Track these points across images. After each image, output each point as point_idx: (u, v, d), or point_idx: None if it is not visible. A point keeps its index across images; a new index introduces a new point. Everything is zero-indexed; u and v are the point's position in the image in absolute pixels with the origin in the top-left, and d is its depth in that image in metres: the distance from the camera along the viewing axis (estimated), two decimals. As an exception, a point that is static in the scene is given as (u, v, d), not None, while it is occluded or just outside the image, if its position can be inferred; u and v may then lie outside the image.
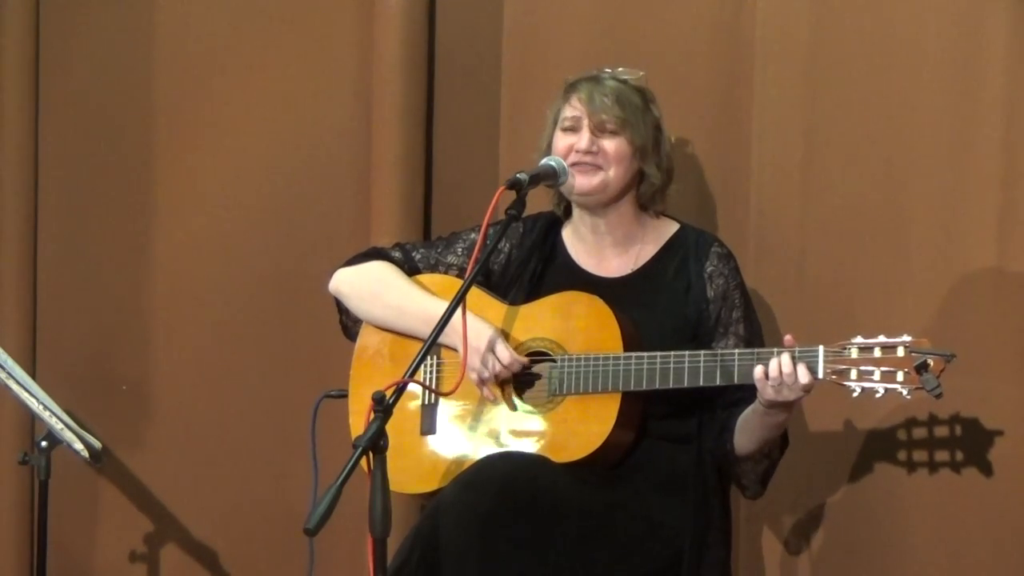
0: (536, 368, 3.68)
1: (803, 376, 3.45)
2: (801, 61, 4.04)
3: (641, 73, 3.81)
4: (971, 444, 3.83)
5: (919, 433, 3.88)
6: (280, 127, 4.65)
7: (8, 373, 4.31)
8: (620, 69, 3.81)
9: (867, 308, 3.89)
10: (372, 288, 3.86)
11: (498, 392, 3.68)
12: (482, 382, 3.67)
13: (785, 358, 3.46)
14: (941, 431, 3.85)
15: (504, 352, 3.65)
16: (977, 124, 3.87)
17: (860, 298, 3.96)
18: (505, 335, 3.70)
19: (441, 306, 3.63)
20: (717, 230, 4.02)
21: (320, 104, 4.61)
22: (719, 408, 3.66)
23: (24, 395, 4.31)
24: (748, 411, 3.59)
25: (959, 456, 3.84)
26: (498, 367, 3.65)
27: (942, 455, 3.86)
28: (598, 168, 3.74)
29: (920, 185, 3.93)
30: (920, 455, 3.88)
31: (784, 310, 4.02)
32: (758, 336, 3.74)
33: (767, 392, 3.48)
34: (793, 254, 4.05)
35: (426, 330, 3.64)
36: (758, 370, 3.47)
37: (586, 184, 3.74)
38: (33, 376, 4.51)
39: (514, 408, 3.68)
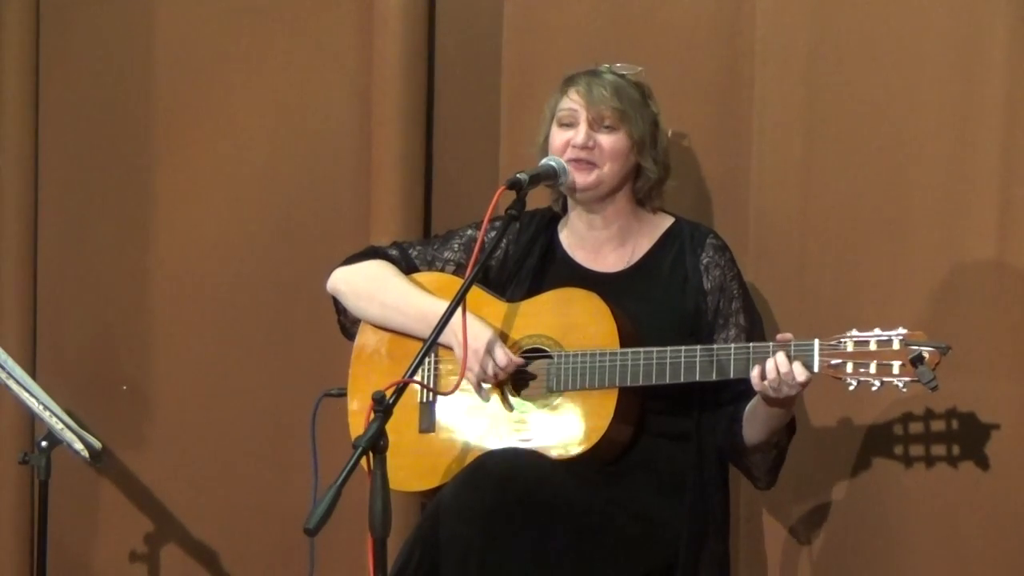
0: (534, 365, 3.68)
1: (800, 375, 3.46)
2: (801, 61, 4.04)
3: (639, 68, 3.82)
4: (969, 441, 3.83)
5: (918, 430, 3.88)
6: (280, 127, 4.65)
7: (8, 373, 4.32)
8: (619, 65, 3.81)
9: (867, 307, 3.89)
10: (368, 287, 3.86)
11: (496, 394, 3.68)
12: (480, 385, 3.67)
13: (781, 356, 3.46)
14: (940, 428, 3.85)
15: (502, 355, 3.65)
16: (977, 124, 3.87)
17: (860, 297, 3.96)
18: (503, 333, 3.70)
19: (437, 305, 3.64)
20: (717, 229, 4.01)
21: (320, 104, 4.61)
22: (725, 401, 3.66)
23: (24, 395, 4.32)
24: (752, 403, 3.59)
25: (958, 453, 3.84)
26: (496, 370, 3.65)
27: (941, 452, 3.86)
28: (592, 165, 3.74)
29: (920, 184, 3.93)
30: (919, 452, 3.88)
31: (784, 309, 4.02)
32: (758, 325, 3.74)
33: (767, 393, 3.48)
34: (793, 254, 4.05)
35: (421, 329, 3.66)
36: (755, 375, 3.47)
37: (581, 180, 3.74)
38: (33, 376, 4.51)
39: (512, 407, 3.68)
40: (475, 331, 3.62)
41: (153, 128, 4.77)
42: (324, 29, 4.61)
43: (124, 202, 4.80)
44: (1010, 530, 3.83)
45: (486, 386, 3.67)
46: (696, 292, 3.74)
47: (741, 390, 3.60)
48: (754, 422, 3.62)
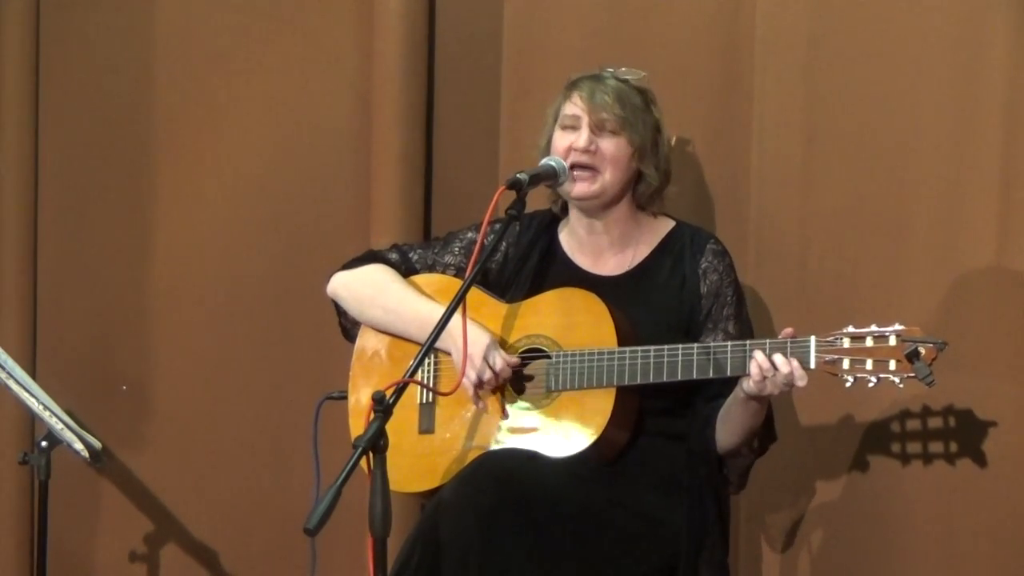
0: (533, 365, 3.68)
1: (799, 379, 3.45)
2: (801, 61, 4.04)
3: (643, 74, 3.81)
4: (969, 440, 3.83)
5: (917, 429, 3.88)
6: (280, 127, 4.65)
7: (8, 373, 4.32)
8: (623, 69, 3.81)
9: (868, 307, 3.88)
10: (367, 291, 3.87)
11: (491, 401, 3.68)
12: (475, 391, 3.66)
13: (779, 357, 3.46)
14: (938, 427, 3.86)
15: (499, 362, 3.65)
16: (977, 123, 3.88)
17: (860, 297, 3.96)
18: (501, 334, 3.70)
19: (435, 310, 3.65)
20: (717, 230, 4.02)
21: (320, 104, 4.61)
22: (700, 403, 3.66)
23: (24, 395, 4.31)
24: (728, 402, 3.59)
25: (957, 453, 3.85)
26: (490, 376, 3.64)
27: (940, 451, 3.86)
28: (595, 172, 3.73)
29: (920, 184, 3.93)
30: (918, 451, 3.88)
31: (785, 309, 4.02)
32: (748, 336, 3.73)
33: (764, 389, 3.47)
34: (793, 253, 4.05)
35: (419, 334, 3.66)
36: (753, 369, 3.46)
37: (584, 190, 3.74)
38: (33, 376, 4.51)
39: (511, 407, 3.68)
40: (471, 336, 3.61)
41: (153, 128, 4.76)
42: (324, 29, 4.61)
43: (124, 202, 4.79)
44: (1008, 529, 3.83)
45: (483, 392, 3.67)
46: (692, 296, 3.74)
47: (716, 392, 3.61)
48: (730, 423, 3.62)
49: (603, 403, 3.60)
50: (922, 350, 3.40)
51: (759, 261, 4.06)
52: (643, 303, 3.72)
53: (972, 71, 3.88)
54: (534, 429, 3.65)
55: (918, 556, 3.91)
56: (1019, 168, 3.84)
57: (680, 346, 3.56)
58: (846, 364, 3.46)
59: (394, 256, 3.92)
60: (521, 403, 3.68)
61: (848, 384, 3.46)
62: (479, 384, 3.65)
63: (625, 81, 3.79)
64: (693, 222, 3.89)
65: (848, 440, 3.97)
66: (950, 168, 3.91)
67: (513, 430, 3.67)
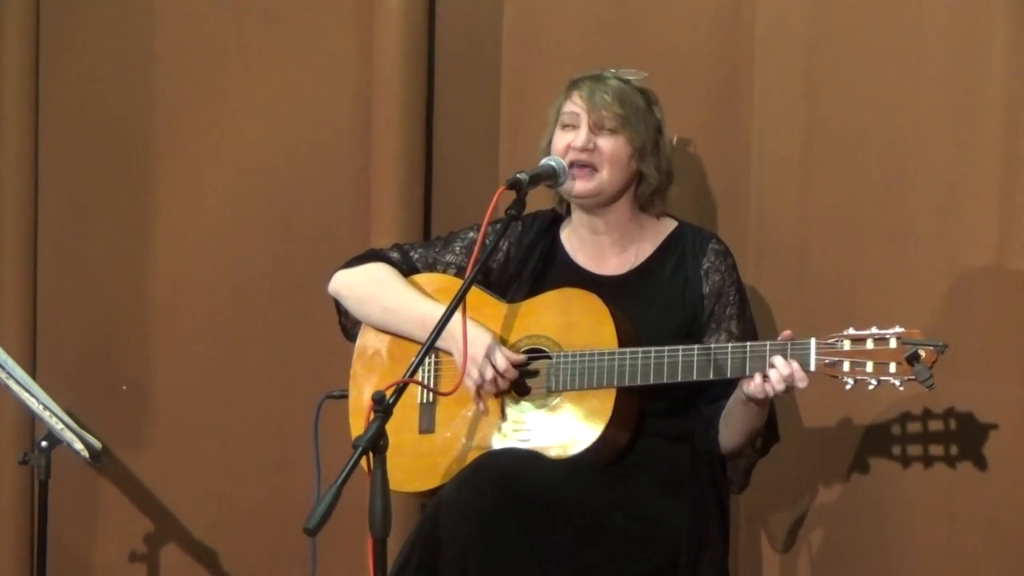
0: (533, 365, 3.68)
1: (800, 381, 3.45)
2: (801, 61, 4.04)
3: (645, 74, 3.82)
4: (969, 442, 3.83)
5: (917, 430, 3.88)
6: (280, 127, 4.65)
7: (8, 373, 4.32)
8: (624, 69, 3.81)
9: (867, 307, 3.89)
10: (368, 290, 3.87)
11: (491, 401, 3.68)
12: (479, 391, 3.66)
13: (779, 360, 3.45)
14: (939, 428, 3.86)
15: (501, 361, 3.65)
16: (977, 123, 3.88)
17: (860, 297, 3.96)
18: (502, 334, 3.70)
19: (436, 309, 3.64)
20: (717, 230, 4.02)
21: (320, 104, 4.61)
22: (703, 404, 3.66)
23: (24, 395, 4.31)
24: (729, 403, 3.59)
25: (957, 454, 3.85)
26: (495, 375, 3.64)
27: (940, 453, 3.86)
28: (593, 170, 3.73)
29: (920, 184, 3.94)
30: (918, 452, 3.89)
31: (784, 309, 4.03)
32: (751, 336, 3.73)
33: (768, 394, 3.47)
34: (793, 253, 4.05)
35: (420, 333, 3.66)
36: (757, 378, 3.46)
37: (582, 188, 3.74)
38: (33, 376, 4.51)
39: (511, 408, 3.68)
40: (474, 336, 3.61)
41: (153, 128, 4.76)
42: (324, 29, 4.61)
43: (124, 202, 4.80)
44: (1009, 531, 3.83)
45: (485, 393, 3.67)
46: (695, 297, 3.74)
47: (719, 394, 3.61)
48: (732, 425, 3.62)
49: (603, 404, 3.60)
50: (922, 353, 3.40)
51: (759, 261, 4.06)
52: (645, 303, 3.73)
53: (972, 71, 3.89)
54: (534, 429, 3.65)
55: (918, 557, 3.91)
56: (1019, 168, 3.84)
57: (680, 347, 3.56)
58: (846, 366, 3.45)
59: (395, 255, 3.93)
60: (521, 403, 3.68)
61: (848, 386, 3.46)
62: (482, 383, 3.65)
63: (627, 81, 3.79)
64: (693, 222, 3.89)
65: (848, 441, 3.97)
66: (950, 168, 3.91)
67: (513, 430, 3.67)
